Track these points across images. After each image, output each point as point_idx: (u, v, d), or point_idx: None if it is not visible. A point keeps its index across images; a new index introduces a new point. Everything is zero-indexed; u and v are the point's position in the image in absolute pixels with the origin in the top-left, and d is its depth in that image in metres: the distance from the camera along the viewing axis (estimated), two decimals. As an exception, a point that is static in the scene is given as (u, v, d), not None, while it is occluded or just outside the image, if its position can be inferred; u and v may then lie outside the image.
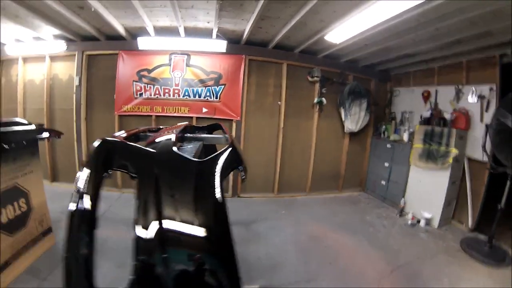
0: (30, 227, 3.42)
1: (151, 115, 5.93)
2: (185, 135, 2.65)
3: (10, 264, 3.08)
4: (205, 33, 5.18)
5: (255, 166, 6.07)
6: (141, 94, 5.85)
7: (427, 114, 5.45)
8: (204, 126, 3.69)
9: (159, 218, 1.16)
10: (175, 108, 5.90)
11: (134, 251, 1.10)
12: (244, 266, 3.52)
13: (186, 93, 5.83)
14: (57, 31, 5.36)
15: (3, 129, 3.33)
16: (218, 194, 1.30)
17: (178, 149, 1.70)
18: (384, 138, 6.39)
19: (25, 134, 3.59)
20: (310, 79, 6.08)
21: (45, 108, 6.29)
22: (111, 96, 5.95)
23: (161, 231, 1.12)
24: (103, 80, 6.01)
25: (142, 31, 5.23)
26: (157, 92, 5.85)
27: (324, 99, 6.12)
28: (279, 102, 6.06)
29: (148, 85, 5.83)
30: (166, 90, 5.83)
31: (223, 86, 5.81)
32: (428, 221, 4.87)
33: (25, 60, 6.39)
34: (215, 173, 1.42)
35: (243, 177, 1.80)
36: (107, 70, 5.93)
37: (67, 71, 6.13)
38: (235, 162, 1.74)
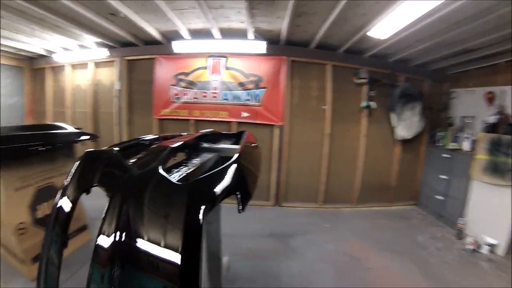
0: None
1: (189, 119, 5.87)
2: (202, 144, 2.38)
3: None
4: (241, 34, 4.98)
5: (298, 174, 5.80)
6: (178, 98, 5.83)
7: (492, 119, 4.60)
8: (233, 133, 3.41)
9: (121, 231, 1.11)
10: (214, 113, 5.77)
11: (90, 266, 1.09)
12: (273, 283, 3.26)
13: (225, 97, 5.67)
14: (98, 39, 5.61)
15: (42, 132, 3.79)
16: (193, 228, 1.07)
17: (180, 162, 1.62)
18: (440, 146, 5.57)
19: (63, 137, 3.92)
20: (356, 80, 5.58)
21: (91, 112, 6.68)
22: (151, 100, 6.04)
23: (117, 244, 1.09)
24: (143, 84, 6.15)
25: (177, 35, 5.19)
26: (195, 96, 5.77)
27: (372, 103, 5.57)
28: (323, 106, 5.62)
29: (186, 89, 5.78)
30: (204, 94, 5.72)
31: (264, 89, 5.54)
32: (492, 248, 4.05)
33: (72, 66, 6.86)
34: (195, 198, 1.16)
35: (239, 208, 1.34)
36: (146, 74, 6.05)
37: (110, 76, 6.43)
38: (234, 185, 1.40)
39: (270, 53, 5.32)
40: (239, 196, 1.33)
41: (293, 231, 4.64)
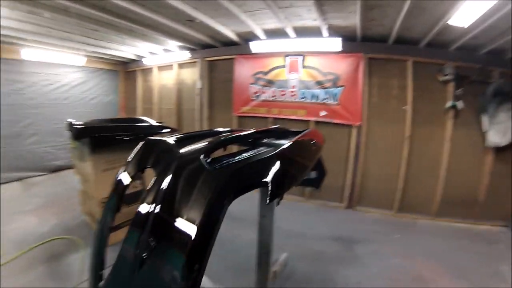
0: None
1: (267, 117, 6.09)
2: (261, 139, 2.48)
3: (122, 227, 3.85)
4: (316, 31, 4.96)
5: (375, 178, 5.55)
6: (258, 96, 6.10)
7: None
8: (298, 130, 3.42)
9: (155, 203, 1.31)
10: (292, 111, 5.89)
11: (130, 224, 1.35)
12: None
13: (303, 95, 5.75)
14: (179, 43, 6.23)
15: (128, 125, 4.54)
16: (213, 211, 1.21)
17: (234, 153, 1.74)
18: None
19: (145, 130, 4.48)
20: (440, 78, 5.01)
21: (175, 108, 7.51)
22: (230, 98, 6.44)
23: (151, 213, 1.29)
24: (223, 82, 6.60)
25: (253, 35, 5.42)
26: (273, 94, 5.97)
27: (459, 103, 4.91)
28: (404, 107, 5.22)
29: (265, 87, 6.02)
30: (283, 92, 5.90)
31: (341, 88, 5.44)
32: None
33: (159, 68, 7.85)
34: (223, 185, 1.31)
35: (267, 199, 1.43)
36: (226, 73, 6.47)
37: (192, 76, 7.10)
38: (265, 177, 1.47)
39: (346, 50, 5.20)
40: (269, 187, 1.39)
41: (361, 237, 4.47)
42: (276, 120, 6.01)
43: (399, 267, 3.71)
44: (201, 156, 1.40)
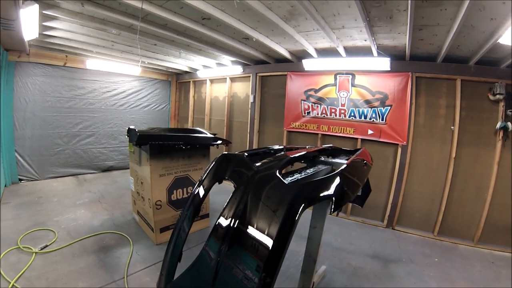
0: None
1: (317, 133, 6.23)
2: (319, 157, 2.73)
3: (170, 229, 4.37)
4: (366, 51, 5.07)
5: (417, 198, 5.43)
6: (308, 113, 6.27)
7: None
8: (350, 149, 3.60)
9: (236, 217, 1.50)
10: (341, 128, 5.98)
11: (208, 237, 1.51)
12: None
13: (352, 114, 5.82)
14: (233, 58, 6.58)
15: (187, 135, 4.88)
16: (290, 217, 1.40)
17: (298, 169, 2.03)
18: None
19: (201, 140, 4.86)
20: (491, 97, 4.79)
21: (226, 120, 7.90)
22: (281, 112, 6.66)
23: (232, 227, 1.47)
24: (274, 98, 6.87)
25: (306, 53, 5.61)
26: (323, 112, 6.11)
27: (510, 124, 4.69)
28: (452, 127, 5.09)
29: (316, 104, 6.17)
30: (333, 110, 6.01)
31: (389, 107, 5.44)
32: None
33: (211, 81, 8.28)
34: (298, 197, 1.51)
35: (331, 211, 1.67)
36: (277, 89, 6.74)
37: (244, 90, 7.44)
38: (331, 192, 1.67)
39: (395, 69, 5.23)
40: (333, 200, 1.59)
41: (399, 257, 4.44)
42: (324, 136, 6.14)
43: (434, 292, 3.62)
44: (276, 172, 1.62)
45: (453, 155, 5.09)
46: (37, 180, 6.96)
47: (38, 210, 5.19)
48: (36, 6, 3.53)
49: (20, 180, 6.71)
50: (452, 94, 5.07)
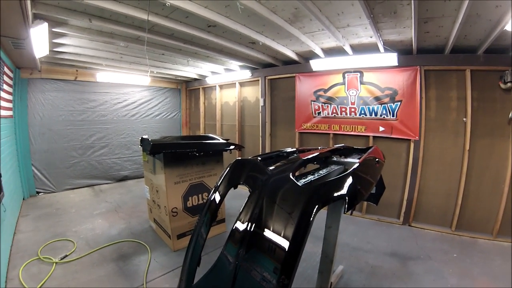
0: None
1: (328, 133, 6.23)
2: (331, 158, 2.76)
3: (187, 235, 4.43)
4: (373, 48, 5.03)
5: (432, 193, 5.33)
6: (319, 113, 6.27)
7: None
8: (362, 148, 3.61)
9: (252, 221, 1.52)
10: (352, 127, 5.96)
11: (226, 241, 1.54)
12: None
13: (362, 112, 5.79)
14: (241, 63, 6.66)
15: (199, 142, 4.92)
16: (305, 218, 1.42)
17: (311, 171, 2.07)
18: None
19: (214, 146, 4.89)
20: (502, 85, 4.64)
21: (237, 125, 7.96)
22: (291, 115, 6.68)
23: (249, 231, 1.50)
24: (284, 100, 6.90)
25: (313, 54, 5.63)
26: (334, 111, 6.10)
27: None
28: (464, 119, 4.96)
29: (326, 104, 6.17)
30: (343, 109, 6.00)
31: (399, 103, 5.38)
32: None
33: (221, 86, 8.37)
34: (312, 198, 1.53)
35: (345, 211, 1.67)
36: (287, 91, 6.76)
37: (254, 94, 7.51)
38: (344, 192, 1.69)
39: (403, 64, 5.16)
40: (347, 199, 1.60)
41: (417, 254, 4.37)
42: (336, 135, 6.13)
43: (454, 288, 3.56)
44: (290, 174, 1.64)
45: (467, 147, 4.95)
46: (54, 192, 7.13)
47: (57, 221, 5.32)
48: (45, 25, 3.61)
49: (38, 193, 6.88)
50: (463, 86, 4.94)
